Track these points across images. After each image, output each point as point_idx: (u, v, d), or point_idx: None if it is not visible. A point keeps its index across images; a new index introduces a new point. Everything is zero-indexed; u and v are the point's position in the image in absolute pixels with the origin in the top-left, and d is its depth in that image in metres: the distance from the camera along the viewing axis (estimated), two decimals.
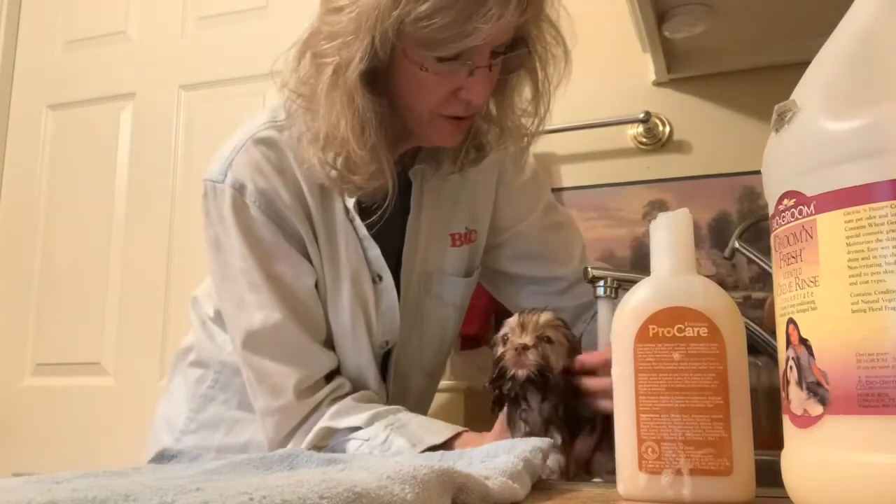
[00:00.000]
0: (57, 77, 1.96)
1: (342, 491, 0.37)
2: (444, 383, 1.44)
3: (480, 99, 0.84)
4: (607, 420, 0.76)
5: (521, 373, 0.75)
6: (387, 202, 0.88)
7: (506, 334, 0.78)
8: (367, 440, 0.82)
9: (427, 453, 0.75)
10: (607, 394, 0.73)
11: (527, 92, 0.91)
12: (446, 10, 0.75)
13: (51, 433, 1.77)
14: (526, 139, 0.94)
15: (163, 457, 0.72)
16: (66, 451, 1.73)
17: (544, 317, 0.77)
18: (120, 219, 1.83)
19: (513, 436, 0.77)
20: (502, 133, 0.94)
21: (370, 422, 0.84)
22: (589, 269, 0.87)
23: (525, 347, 0.75)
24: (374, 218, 0.90)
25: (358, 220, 0.92)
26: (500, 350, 0.78)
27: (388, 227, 0.93)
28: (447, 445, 0.80)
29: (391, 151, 0.88)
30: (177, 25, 1.87)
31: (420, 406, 1.07)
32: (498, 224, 1.06)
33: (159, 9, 1.89)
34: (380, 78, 0.83)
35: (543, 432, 0.76)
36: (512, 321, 0.79)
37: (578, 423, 0.77)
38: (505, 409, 0.79)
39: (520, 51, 0.85)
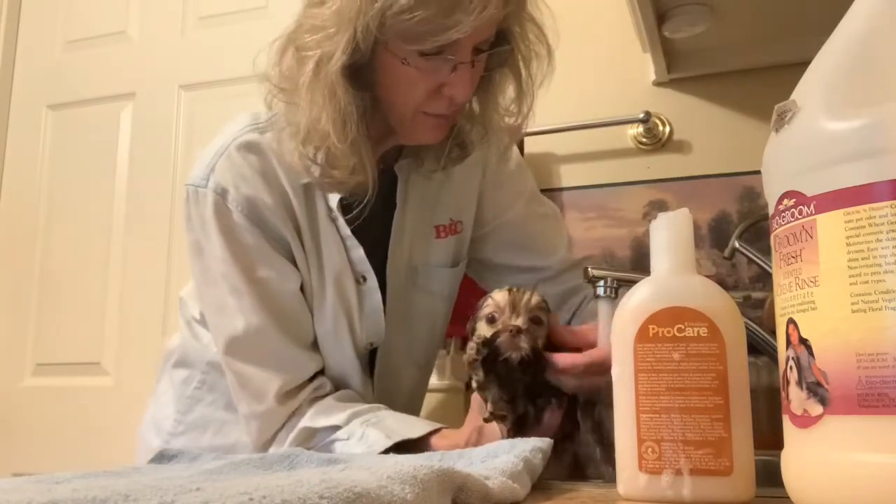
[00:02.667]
0: (57, 77, 1.97)
1: (342, 491, 0.37)
2: (443, 383, 1.44)
3: (463, 95, 0.84)
4: (572, 398, 0.78)
5: (515, 356, 0.74)
6: (366, 198, 0.88)
7: (493, 313, 0.77)
8: (347, 439, 0.82)
9: (427, 453, 0.75)
10: (574, 372, 0.74)
11: (510, 91, 0.91)
12: (428, 3, 0.75)
13: (51, 433, 1.77)
14: (509, 138, 0.94)
15: (163, 457, 0.72)
16: (66, 451, 1.73)
17: (535, 298, 0.77)
18: (120, 219, 1.83)
19: (488, 405, 0.77)
20: (486, 132, 0.94)
21: (348, 420, 0.84)
22: (589, 269, 0.87)
23: (519, 331, 0.74)
24: (355, 212, 0.89)
25: (341, 220, 0.91)
26: (482, 326, 0.77)
27: (373, 224, 0.92)
28: (424, 441, 0.80)
29: (374, 149, 0.88)
30: (177, 25, 1.87)
31: (413, 399, 1.07)
32: (483, 214, 1.06)
33: (159, 9, 1.89)
34: (362, 73, 0.83)
35: (511, 405, 0.76)
36: (500, 299, 0.77)
37: (544, 397, 0.77)
38: (477, 393, 0.79)
39: (502, 47, 0.85)
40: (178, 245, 1.76)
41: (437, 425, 0.82)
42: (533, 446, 0.61)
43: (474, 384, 0.79)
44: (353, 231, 0.92)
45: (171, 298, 1.74)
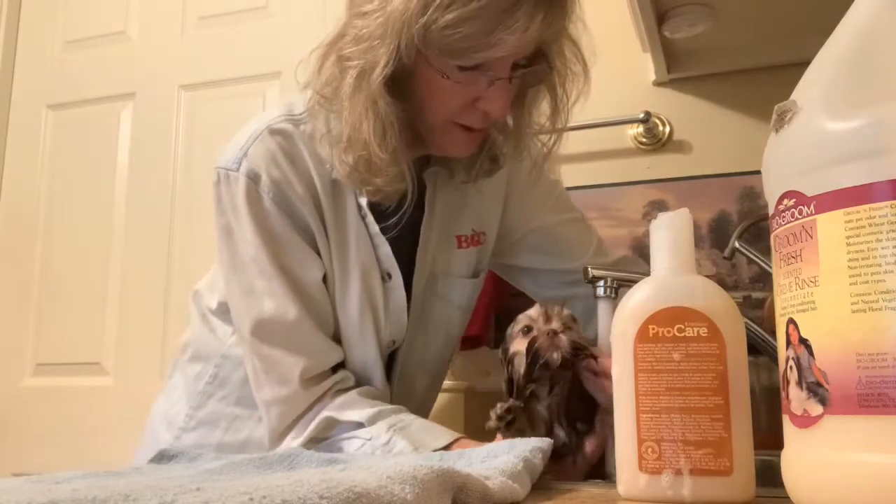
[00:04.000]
0: (57, 77, 1.96)
1: (342, 491, 0.37)
2: (444, 383, 1.44)
3: (498, 111, 0.85)
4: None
5: (556, 355, 0.75)
6: (406, 206, 0.89)
7: (527, 326, 0.79)
8: (370, 440, 0.82)
9: (426, 453, 0.75)
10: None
11: (544, 107, 0.92)
12: (473, 20, 0.75)
13: (51, 433, 1.77)
14: (543, 154, 0.95)
15: (163, 457, 0.72)
16: (66, 451, 1.73)
17: (566, 311, 0.80)
18: (120, 219, 1.83)
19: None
20: (517, 146, 0.94)
21: (373, 420, 0.84)
22: (589, 269, 0.88)
23: (555, 333, 0.76)
24: (392, 220, 0.91)
25: (370, 217, 0.92)
26: (517, 342, 0.78)
27: (400, 228, 0.93)
28: (446, 450, 0.80)
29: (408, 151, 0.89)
30: (177, 25, 1.87)
31: (423, 406, 1.07)
32: (510, 224, 1.07)
33: (159, 9, 1.89)
34: (401, 83, 0.83)
35: (550, 426, 0.76)
36: (532, 313, 0.79)
37: (584, 422, 0.78)
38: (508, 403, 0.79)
39: (540, 66, 0.86)
40: (178, 245, 1.76)
41: (456, 434, 0.82)
42: (533, 446, 0.61)
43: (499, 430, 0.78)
44: (380, 230, 0.93)
45: (172, 298, 1.74)
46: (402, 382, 1.01)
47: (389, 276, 0.94)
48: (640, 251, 1.37)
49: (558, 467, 0.76)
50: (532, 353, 0.76)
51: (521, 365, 0.77)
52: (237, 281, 0.91)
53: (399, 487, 0.39)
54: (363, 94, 0.81)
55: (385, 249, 0.93)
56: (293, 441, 0.87)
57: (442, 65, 0.81)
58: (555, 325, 0.77)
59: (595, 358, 0.77)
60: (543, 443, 0.63)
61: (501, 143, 0.95)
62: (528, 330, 0.79)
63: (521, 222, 1.07)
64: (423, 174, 0.96)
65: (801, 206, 0.45)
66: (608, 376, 0.74)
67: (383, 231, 0.93)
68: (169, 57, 1.86)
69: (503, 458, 0.58)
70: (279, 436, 0.88)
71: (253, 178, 0.89)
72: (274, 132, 0.91)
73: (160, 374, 1.71)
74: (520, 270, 1.11)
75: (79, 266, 1.84)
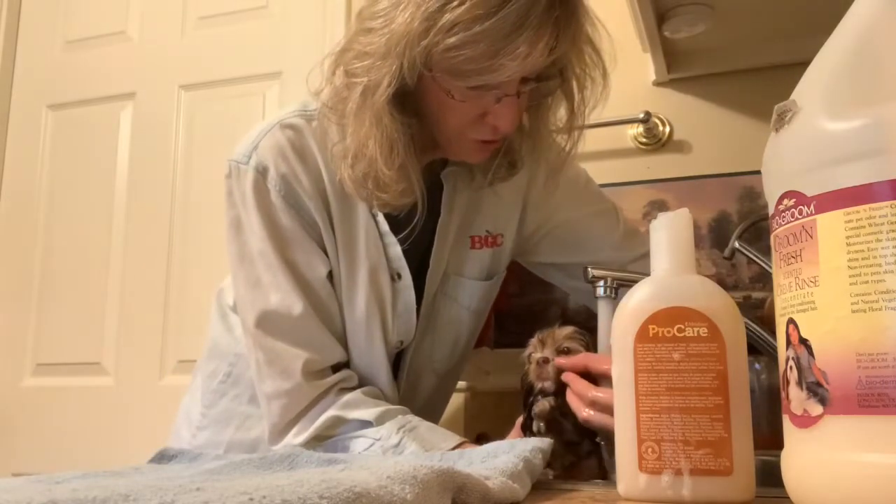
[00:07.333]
0: (57, 77, 1.96)
1: (342, 491, 0.37)
2: None
3: (508, 126, 0.85)
4: None
5: (548, 385, 0.80)
6: (417, 217, 0.89)
7: (529, 353, 0.84)
8: (379, 440, 0.83)
9: (427, 453, 0.75)
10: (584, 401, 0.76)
11: (562, 112, 0.91)
12: (475, 44, 0.75)
13: (51, 433, 1.77)
14: (559, 159, 0.95)
15: (163, 457, 0.72)
16: (66, 451, 1.73)
17: (561, 331, 0.83)
18: (120, 219, 1.83)
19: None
20: (534, 149, 0.94)
21: (381, 419, 0.84)
22: (589, 269, 0.88)
23: (546, 361, 0.81)
24: (405, 232, 0.91)
25: (381, 216, 0.92)
26: (523, 370, 0.84)
27: (412, 227, 0.93)
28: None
29: (420, 158, 0.89)
30: (177, 25, 1.87)
31: (430, 406, 1.07)
32: (533, 224, 1.06)
33: (159, 9, 1.89)
34: (409, 98, 0.84)
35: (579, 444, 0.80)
36: (534, 340, 0.84)
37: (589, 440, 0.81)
38: (522, 417, 0.83)
39: (552, 81, 0.86)
40: (178, 245, 1.76)
41: (460, 438, 0.83)
42: (533, 446, 0.61)
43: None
44: (390, 229, 0.93)
45: (171, 298, 1.74)
46: (409, 382, 1.01)
47: (399, 276, 0.94)
48: None
49: (587, 468, 0.80)
50: (525, 384, 0.82)
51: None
52: (244, 273, 0.91)
53: (399, 487, 0.39)
54: (368, 111, 0.82)
55: (395, 249, 0.93)
56: (296, 437, 0.87)
57: (447, 84, 0.81)
58: (546, 352, 0.82)
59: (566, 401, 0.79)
60: (543, 443, 0.63)
61: (519, 147, 0.95)
62: (529, 359, 0.84)
63: (544, 220, 1.06)
64: (442, 174, 0.96)
65: (801, 206, 0.45)
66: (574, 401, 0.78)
67: (399, 241, 0.93)
68: (169, 57, 1.86)
69: (503, 458, 0.58)
70: (280, 431, 0.88)
71: (261, 172, 0.89)
72: (285, 127, 0.92)
73: (160, 374, 1.71)
74: (546, 266, 1.11)
75: (79, 266, 1.84)
